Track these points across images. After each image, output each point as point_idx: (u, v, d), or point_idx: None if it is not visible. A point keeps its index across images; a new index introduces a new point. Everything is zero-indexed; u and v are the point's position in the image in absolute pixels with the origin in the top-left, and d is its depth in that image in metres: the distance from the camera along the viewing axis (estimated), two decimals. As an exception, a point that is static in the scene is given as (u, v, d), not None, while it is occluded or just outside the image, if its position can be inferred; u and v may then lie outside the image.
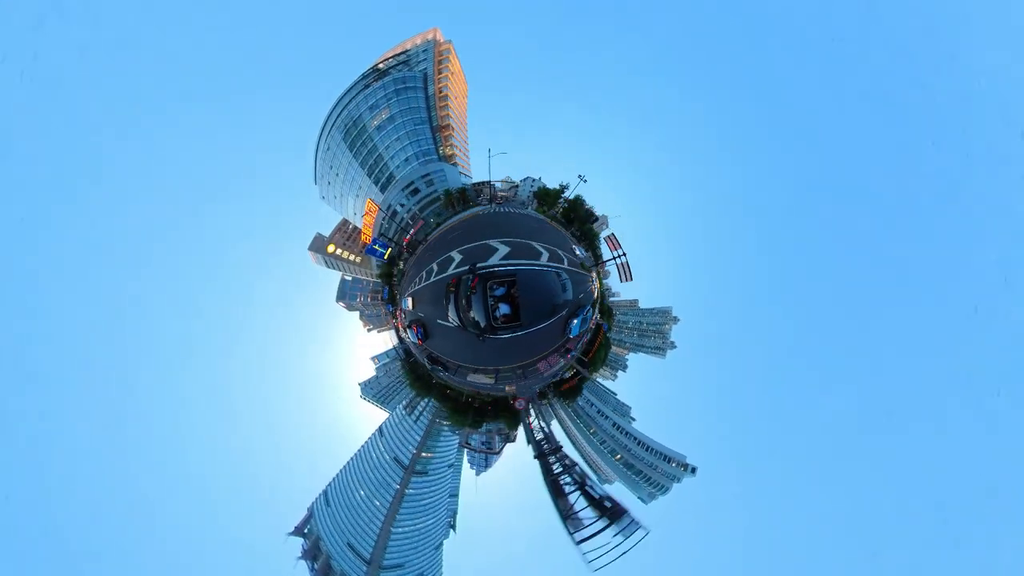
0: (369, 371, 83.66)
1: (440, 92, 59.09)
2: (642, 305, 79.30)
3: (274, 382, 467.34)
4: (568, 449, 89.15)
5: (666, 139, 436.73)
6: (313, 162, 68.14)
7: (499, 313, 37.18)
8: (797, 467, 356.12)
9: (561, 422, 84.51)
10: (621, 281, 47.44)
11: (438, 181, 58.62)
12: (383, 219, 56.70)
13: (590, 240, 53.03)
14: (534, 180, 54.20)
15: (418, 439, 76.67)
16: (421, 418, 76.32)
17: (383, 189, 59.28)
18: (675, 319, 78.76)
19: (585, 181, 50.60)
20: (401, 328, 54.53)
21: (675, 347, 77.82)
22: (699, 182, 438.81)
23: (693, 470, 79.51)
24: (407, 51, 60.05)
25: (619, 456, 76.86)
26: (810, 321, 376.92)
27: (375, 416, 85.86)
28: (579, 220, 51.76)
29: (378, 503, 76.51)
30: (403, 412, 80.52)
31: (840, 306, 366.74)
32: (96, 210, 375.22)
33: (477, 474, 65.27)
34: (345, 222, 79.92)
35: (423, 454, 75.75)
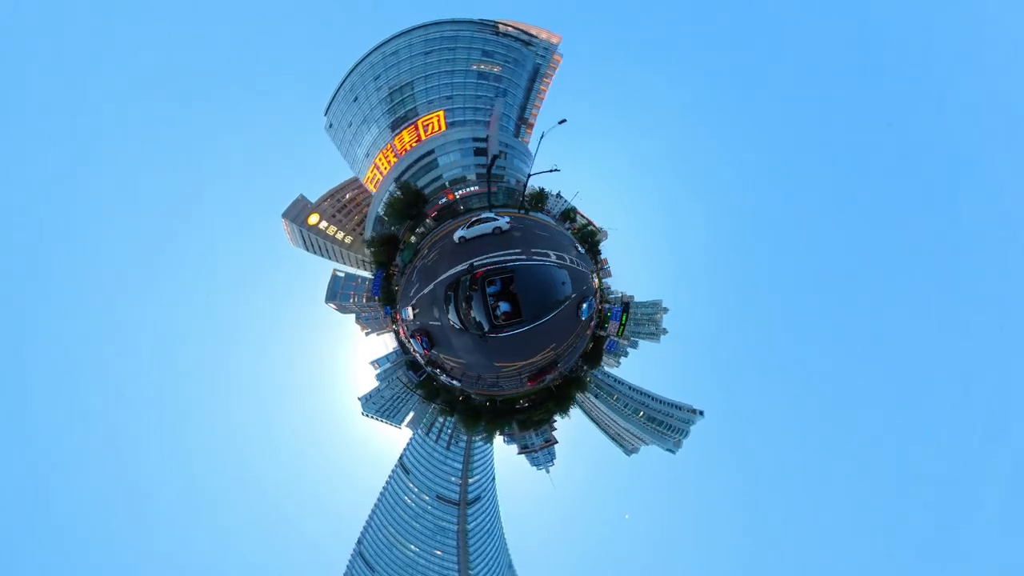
0: (369, 377, 70.81)
1: (539, 93, 58.46)
2: (637, 299, 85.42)
3: (268, 386, 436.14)
4: (594, 434, 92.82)
5: (657, 136, 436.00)
6: (343, 77, 57.58)
7: (500, 311, 36.78)
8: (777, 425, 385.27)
9: (584, 407, 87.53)
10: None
11: (511, 161, 55.09)
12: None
13: (594, 255, 59.52)
14: (566, 200, 58.01)
15: (459, 467, 73.72)
16: (455, 443, 73.45)
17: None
18: (665, 309, 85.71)
19: (605, 232, 59.66)
20: (404, 336, 51.50)
21: (667, 332, 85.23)
22: (687, 182, 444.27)
23: (701, 412, 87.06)
24: (531, 35, 57.32)
25: (642, 413, 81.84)
26: (789, 308, 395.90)
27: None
28: (589, 243, 58.39)
29: (440, 552, 70.59)
30: (422, 437, 74.26)
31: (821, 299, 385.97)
32: (86, 207, 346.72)
33: (548, 471, 64.32)
34: (341, 190, 67.56)
35: (470, 480, 73.22)
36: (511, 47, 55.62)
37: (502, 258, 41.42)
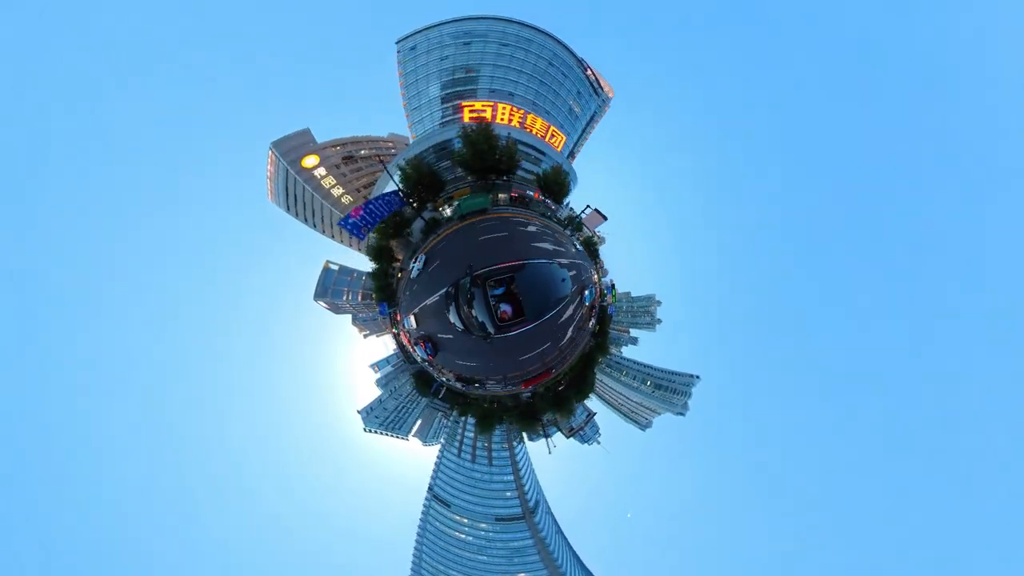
0: (370, 382, 64.68)
1: (587, 134, 66.12)
2: (633, 295, 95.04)
3: (263, 383, 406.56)
4: (608, 413, 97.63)
5: (656, 135, 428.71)
6: (464, 16, 56.50)
7: (500, 311, 37.61)
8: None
9: (597, 391, 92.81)
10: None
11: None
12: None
13: (594, 258, 68.33)
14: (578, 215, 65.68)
15: (510, 479, 73.92)
16: (498, 456, 73.83)
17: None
18: (658, 302, 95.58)
19: (603, 238, 67.22)
20: (406, 340, 50.11)
21: (661, 322, 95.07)
22: (685, 179, 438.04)
23: (697, 377, 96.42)
24: (599, 85, 63.51)
25: (649, 382, 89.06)
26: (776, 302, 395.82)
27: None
28: (590, 249, 64.51)
29: (525, 574, 69.01)
30: (454, 462, 72.37)
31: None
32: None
33: (599, 443, 67.09)
34: (358, 142, 61.92)
35: (524, 487, 74.14)
36: (589, 94, 64.68)
37: (505, 261, 42.46)
